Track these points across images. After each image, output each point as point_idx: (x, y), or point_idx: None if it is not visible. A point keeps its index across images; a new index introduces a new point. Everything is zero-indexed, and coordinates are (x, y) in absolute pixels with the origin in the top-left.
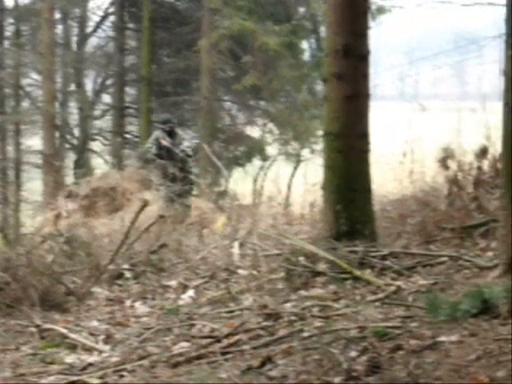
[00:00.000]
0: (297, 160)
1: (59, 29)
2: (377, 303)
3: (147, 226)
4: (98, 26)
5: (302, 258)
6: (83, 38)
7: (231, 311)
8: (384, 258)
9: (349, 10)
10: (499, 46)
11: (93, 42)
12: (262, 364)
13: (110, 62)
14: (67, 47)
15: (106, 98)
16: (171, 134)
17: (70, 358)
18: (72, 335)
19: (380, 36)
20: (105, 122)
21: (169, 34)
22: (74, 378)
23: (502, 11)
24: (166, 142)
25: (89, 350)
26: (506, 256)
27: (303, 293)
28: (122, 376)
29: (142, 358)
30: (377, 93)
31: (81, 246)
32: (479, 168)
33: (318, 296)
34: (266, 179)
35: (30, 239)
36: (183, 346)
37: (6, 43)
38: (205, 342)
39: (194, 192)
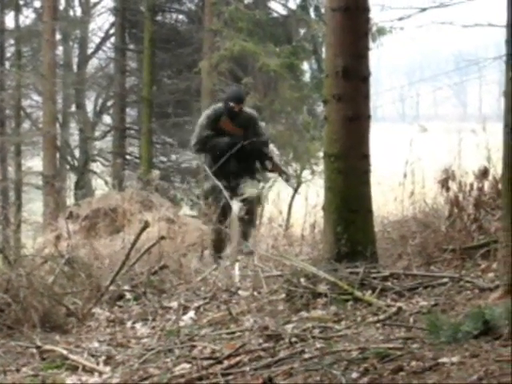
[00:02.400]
0: (297, 181)
1: (60, 50)
2: (378, 324)
3: (148, 247)
4: (98, 47)
5: (302, 280)
6: (84, 59)
7: (232, 332)
8: (385, 279)
9: (349, 32)
10: (499, 67)
11: (94, 63)
12: None
13: (111, 83)
14: (68, 68)
15: (107, 119)
16: None
17: (71, 380)
18: (73, 356)
19: (381, 57)
20: (105, 143)
21: (169, 55)
22: None
23: (503, 32)
24: None
25: (90, 371)
26: (507, 277)
27: (304, 314)
28: None
29: (142, 379)
30: (377, 114)
31: (81, 267)
32: (480, 189)
33: (319, 317)
34: (266, 200)
35: (31, 260)
36: (184, 367)
37: (7, 64)
38: (206, 363)
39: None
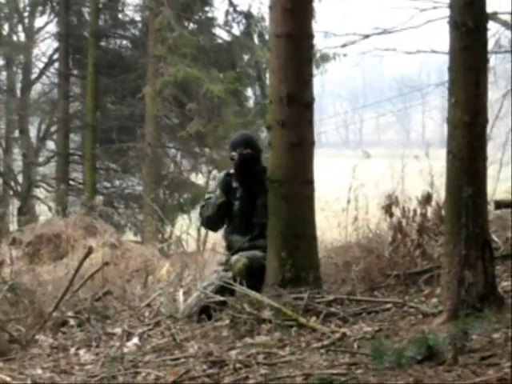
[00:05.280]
0: None
1: (3, 75)
2: (322, 350)
3: (92, 273)
4: (42, 72)
5: (246, 305)
6: (27, 84)
7: (176, 359)
8: (329, 304)
9: (293, 58)
10: (442, 93)
11: (37, 88)
12: None
13: (55, 108)
14: (11, 94)
15: (51, 145)
16: None
17: None
18: (16, 383)
19: (324, 83)
20: (49, 169)
21: (113, 80)
22: None
23: (445, 58)
24: None
25: None
26: (450, 303)
27: (248, 340)
28: None
29: None
30: (321, 140)
31: (25, 294)
32: (423, 215)
33: (264, 343)
34: None
35: None
36: None
37: None
38: None
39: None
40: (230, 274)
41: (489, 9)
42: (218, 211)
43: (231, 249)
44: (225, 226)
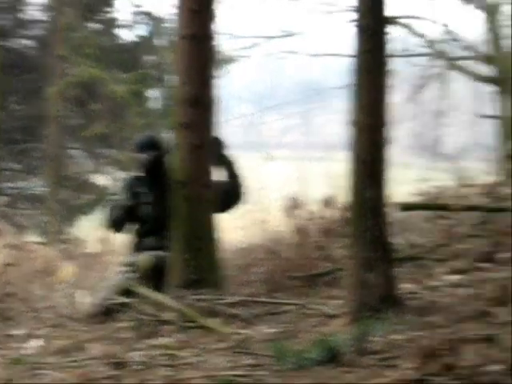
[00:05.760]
0: None
1: None
2: (224, 352)
3: None
4: None
5: (149, 307)
6: None
7: (78, 360)
8: (232, 306)
9: (196, 60)
10: (345, 96)
11: None
12: None
13: None
14: None
15: None
16: None
17: None
18: None
19: (229, 85)
20: None
21: (17, 80)
22: None
23: (348, 62)
24: None
25: None
26: (352, 304)
27: (151, 342)
28: None
29: None
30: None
31: None
32: (325, 217)
33: (165, 345)
34: None
35: None
36: None
37: None
38: None
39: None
40: (134, 275)
41: (390, 13)
42: (126, 214)
43: (141, 250)
44: (136, 227)
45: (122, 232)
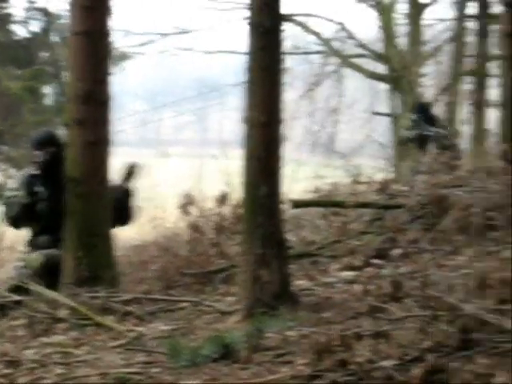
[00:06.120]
0: None
1: None
2: (118, 349)
3: None
4: None
5: (42, 305)
6: None
7: None
8: (126, 303)
9: (90, 56)
10: (239, 93)
11: None
12: None
13: None
14: None
15: None
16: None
17: None
18: None
19: (123, 82)
20: None
21: None
22: None
23: (243, 59)
24: None
25: None
26: (246, 301)
27: (44, 339)
28: None
29: None
30: (120, 139)
31: None
32: (220, 214)
33: (59, 343)
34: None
35: None
36: None
37: None
38: None
39: None
40: (27, 272)
41: (285, 10)
42: (23, 212)
43: (36, 247)
44: (33, 224)
45: (22, 229)
